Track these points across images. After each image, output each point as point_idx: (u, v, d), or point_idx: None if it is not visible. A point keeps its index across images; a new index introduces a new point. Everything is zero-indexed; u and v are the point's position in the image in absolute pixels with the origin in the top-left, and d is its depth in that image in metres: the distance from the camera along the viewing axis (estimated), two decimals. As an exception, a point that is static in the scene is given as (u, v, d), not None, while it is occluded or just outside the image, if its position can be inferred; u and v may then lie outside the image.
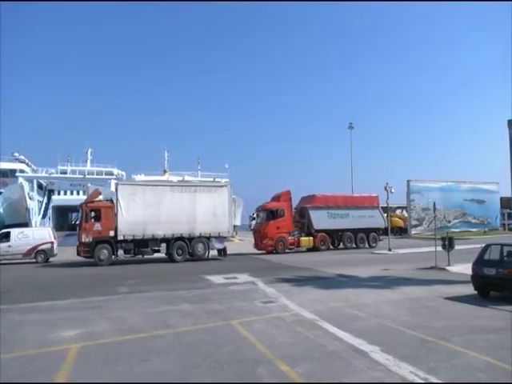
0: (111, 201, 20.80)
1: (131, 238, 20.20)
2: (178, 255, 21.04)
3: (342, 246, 27.35)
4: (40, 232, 23.74)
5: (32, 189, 41.68)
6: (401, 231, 41.85)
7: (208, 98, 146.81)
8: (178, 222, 20.92)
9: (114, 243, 20.06)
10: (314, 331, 6.86)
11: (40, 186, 46.28)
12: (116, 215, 20.06)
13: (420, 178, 40.83)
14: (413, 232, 38.27)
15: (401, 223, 42.79)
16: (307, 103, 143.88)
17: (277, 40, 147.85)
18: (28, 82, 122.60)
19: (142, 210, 20.38)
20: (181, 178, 45.33)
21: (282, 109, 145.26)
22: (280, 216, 25.40)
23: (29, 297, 11.11)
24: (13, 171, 44.86)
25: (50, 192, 45.86)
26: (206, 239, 21.77)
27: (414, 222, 38.65)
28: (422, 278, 13.17)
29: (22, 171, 45.92)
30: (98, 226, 19.92)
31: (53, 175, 47.38)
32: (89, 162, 54.63)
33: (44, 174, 48.11)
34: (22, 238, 22.38)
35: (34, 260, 22.12)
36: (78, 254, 20.14)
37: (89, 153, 55.08)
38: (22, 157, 49.96)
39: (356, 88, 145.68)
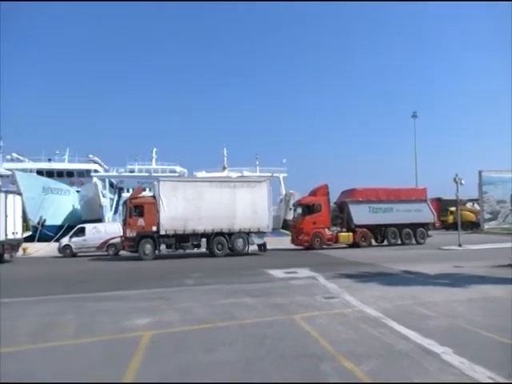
0: (153, 197, 21.58)
1: (173, 233, 20.87)
2: (218, 250, 21.43)
3: (386, 242, 26.05)
4: (111, 227, 25.50)
5: (104, 187, 44.95)
6: (472, 226, 39.08)
7: (265, 93, 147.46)
8: (218, 218, 21.26)
9: (156, 238, 20.82)
10: (379, 329, 6.64)
11: (111, 185, 49.91)
12: (158, 211, 20.76)
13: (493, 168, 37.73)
14: (486, 227, 35.44)
15: (472, 217, 39.98)
16: (374, 92, 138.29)
17: (340, 34, 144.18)
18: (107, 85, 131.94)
19: (183, 205, 20.97)
20: (240, 174, 46.19)
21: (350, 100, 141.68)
22: (317, 211, 24.80)
23: (102, 287, 12.01)
24: (88, 171, 49.01)
25: (120, 190, 49.27)
26: (246, 234, 21.96)
27: (487, 216, 35.72)
28: (499, 276, 12.14)
29: (95, 171, 49.99)
30: (141, 222, 20.73)
31: (122, 174, 50.95)
32: (154, 160, 57.77)
33: (115, 173, 51.94)
34: (95, 233, 24.31)
35: (106, 253, 23.88)
36: (123, 248, 21.33)
37: (154, 152, 58.21)
38: (96, 158, 54.44)
39: (422, 77, 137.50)
